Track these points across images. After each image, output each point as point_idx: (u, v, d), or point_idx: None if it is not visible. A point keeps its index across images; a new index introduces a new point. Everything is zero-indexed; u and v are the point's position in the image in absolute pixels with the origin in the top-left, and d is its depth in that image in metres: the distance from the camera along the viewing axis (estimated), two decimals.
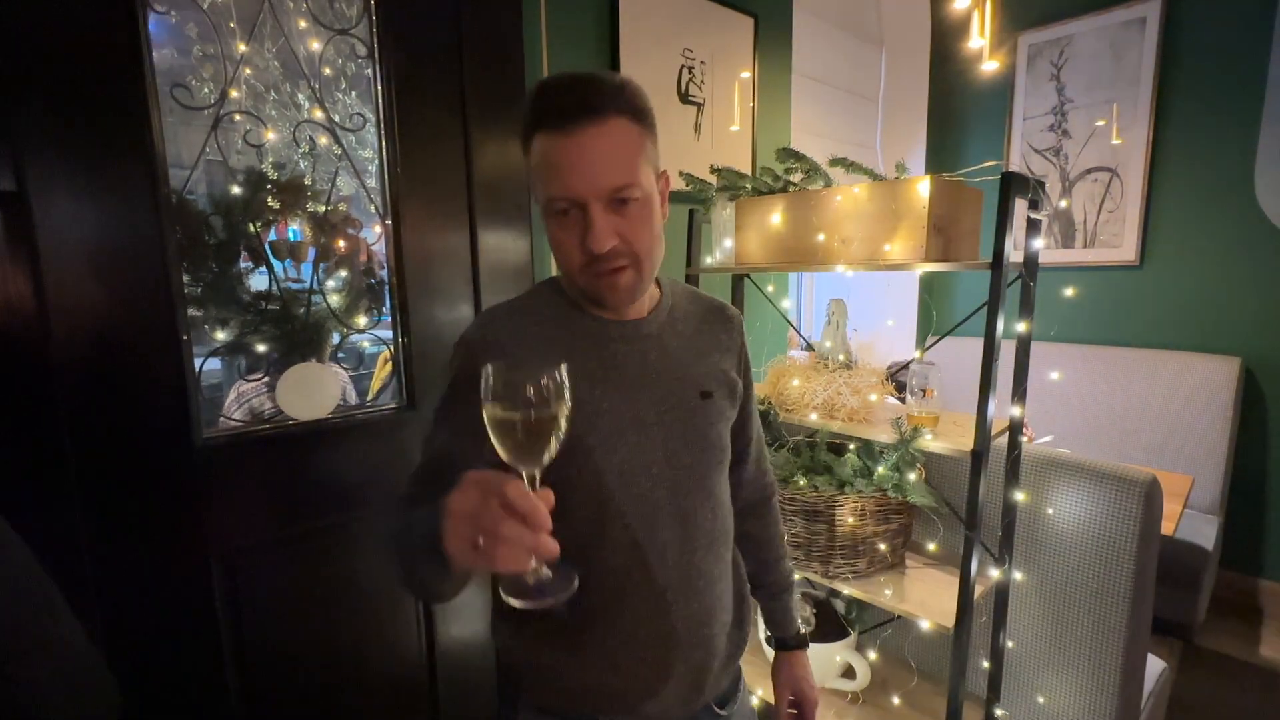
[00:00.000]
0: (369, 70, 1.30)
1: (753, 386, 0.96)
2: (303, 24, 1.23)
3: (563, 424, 0.56)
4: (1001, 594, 1.26)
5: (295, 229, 1.28)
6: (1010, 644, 1.31)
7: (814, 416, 1.30)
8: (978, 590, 1.13)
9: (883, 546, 1.29)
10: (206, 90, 1.14)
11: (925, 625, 1.18)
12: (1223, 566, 2.50)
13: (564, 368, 0.56)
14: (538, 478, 0.57)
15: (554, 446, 0.56)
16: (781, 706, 1.03)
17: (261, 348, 1.23)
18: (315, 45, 1.25)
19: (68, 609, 0.64)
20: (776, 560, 1.03)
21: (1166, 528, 1.69)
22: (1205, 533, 2.24)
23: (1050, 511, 1.25)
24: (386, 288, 1.37)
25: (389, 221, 1.33)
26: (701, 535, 0.80)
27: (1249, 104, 2.34)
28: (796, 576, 1.03)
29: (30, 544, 0.65)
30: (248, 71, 1.18)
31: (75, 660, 0.63)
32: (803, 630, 1.06)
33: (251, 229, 1.21)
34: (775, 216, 1.36)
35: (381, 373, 1.47)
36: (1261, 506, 2.47)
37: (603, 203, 0.70)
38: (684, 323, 0.86)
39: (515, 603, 0.56)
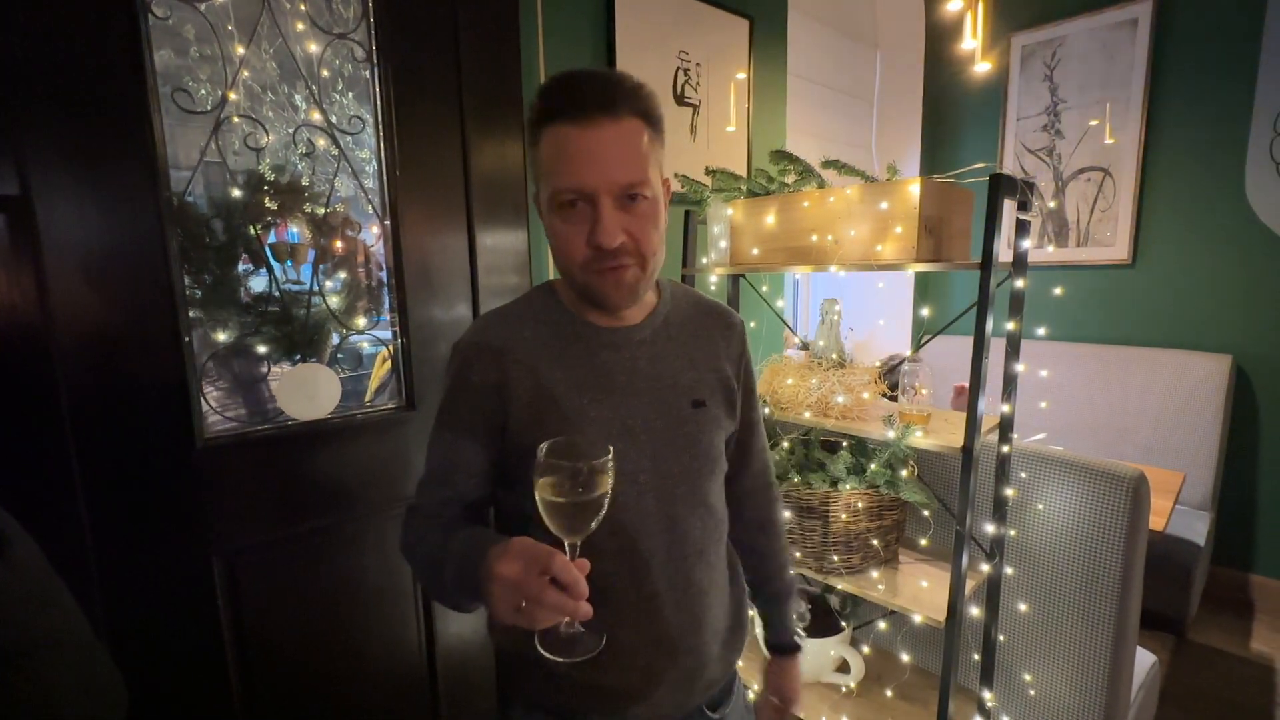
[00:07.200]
0: (367, 72, 1.31)
1: (755, 395, 0.93)
2: (300, 26, 1.24)
3: (606, 503, 0.63)
4: (993, 588, 1.28)
5: (294, 231, 1.29)
6: (1001, 637, 1.33)
7: (808, 414, 1.31)
8: (969, 584, 1.15)
9: (875, 542, 1.31)
10: (204, 92, 1.15)
11: (918, 619, 1.20)
12: (1214, 562, 2.53)
13: (610, 453, 0.63)
14: (578, 546, 0.64)
15: (596, 521, 0.63)
16: (766, 709, 1.03)
17: (262, 349, 1.25)
18: (313, 48, 1.26)
19: (76, 605, 0.65)
20: (779, 570, 1.02)
21: (1158, 524, 1.71)
22: (1197, 528, 2.27)
23: (1040, 507, 1.27)
24: (385, 288, 1.39)
25: (387, 223, 1.34)
26: (691, 544, 0.80)
27: (1239, 104, 2.36)
28: (791, 572, 1.04)
29: (36, 542, 0.66)
30: (246, 74, 1.19)
31: (84, 656, 0.64)
32: (798, 629, 1.06)
33: (251, 231, 1.22)
34: (770, 217, 1.37)
35: (379, 372, 1.48)
36: (1252, 502, 2.50)
37: (613, 198, 0.69)
38: (680, 328, 0.84)
39: (549, 655, 0.64)
